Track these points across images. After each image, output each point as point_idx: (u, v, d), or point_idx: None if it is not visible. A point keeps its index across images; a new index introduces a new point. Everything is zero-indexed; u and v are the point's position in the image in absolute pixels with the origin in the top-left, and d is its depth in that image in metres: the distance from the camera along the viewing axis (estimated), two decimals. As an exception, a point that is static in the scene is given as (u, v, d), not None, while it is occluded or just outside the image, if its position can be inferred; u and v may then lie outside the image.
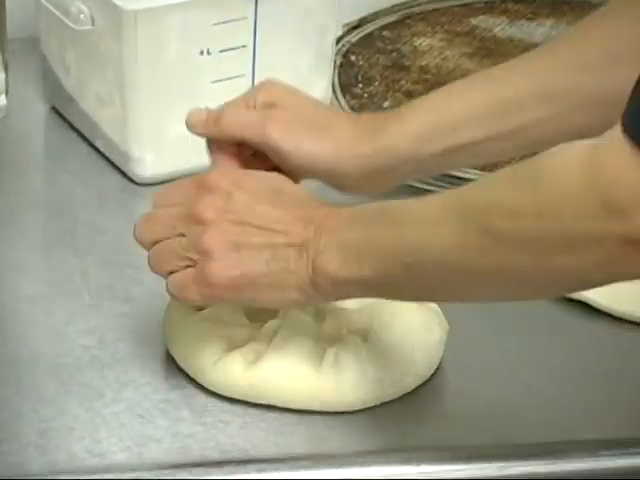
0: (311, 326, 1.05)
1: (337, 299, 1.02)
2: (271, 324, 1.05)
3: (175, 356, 1.06)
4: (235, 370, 1.02)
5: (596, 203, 0.80)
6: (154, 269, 1.02)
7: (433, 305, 1.08)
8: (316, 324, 1.06)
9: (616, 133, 0.80)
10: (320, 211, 0.98)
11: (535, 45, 1.42)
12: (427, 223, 0.91)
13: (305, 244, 0.96)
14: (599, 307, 1.13)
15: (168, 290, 1.01)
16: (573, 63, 1.05)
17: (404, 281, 0.93)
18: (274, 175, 1.03)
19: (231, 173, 1.04)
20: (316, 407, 1.02)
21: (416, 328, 1.06)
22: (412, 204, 0.93)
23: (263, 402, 1.03)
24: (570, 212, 0.82)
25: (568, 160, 0.82)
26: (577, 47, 1.05)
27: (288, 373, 1.02)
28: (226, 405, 1.03)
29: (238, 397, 1.03)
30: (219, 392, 1.03)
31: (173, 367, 1.06)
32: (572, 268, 0.84)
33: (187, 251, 0.99)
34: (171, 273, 1.00)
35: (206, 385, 1.04)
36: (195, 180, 1.02)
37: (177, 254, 0.99)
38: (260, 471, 0.99)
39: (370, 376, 1.03)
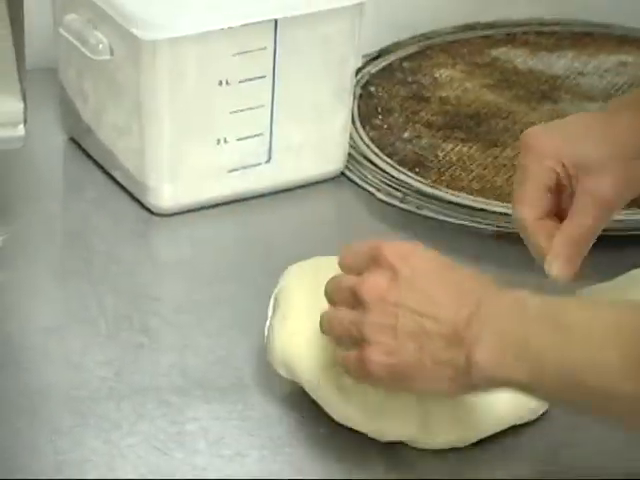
0: None
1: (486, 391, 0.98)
2: None
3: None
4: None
5: None
6: (323, 330, 1.01)
7: None
8: None
9: None
10: (478, 292, 0.95)
11: (557, 77, 1.43)
12: (596, 343, 0.88)
13: (455, 333, 0.93)
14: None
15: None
16: None
17: (561, 396, 0.92)
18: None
19: (403, 247, 1.00)
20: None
21: None
22: (581, 311, 0.91)
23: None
24: None
25: None
26: None
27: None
28: (244, 437, 1.03)
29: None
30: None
31: (190, 399, 1.06)
32: None
33: (351, 327, 0.98)
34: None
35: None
36: (372, 248, 0.99)
37: (343, 327, 0.99)
38: (277, 508, 0.99)
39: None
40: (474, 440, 1.03)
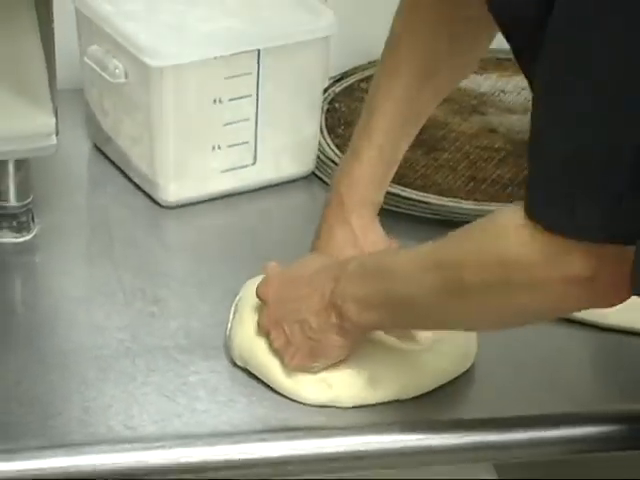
0: None
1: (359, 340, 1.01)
2: None
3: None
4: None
5: (536, 256, 0.84)
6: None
7: None
8: None
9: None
10: (326, 279, 0.98)
11: (484, 94, 1.42)
12: (413, 279, 0.92)
13: (325, 309, 0.98)
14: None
15: None
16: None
17: (408, 322, 0.98)
18: (302, 262, 1.04)
19: (264, 280, 1.04)
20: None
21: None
22: (401, 260, 0.95)
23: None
24: (519, 264, 0.85)
25: (516, 228, 0.85)
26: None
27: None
28: (236, 386, 1.02)
29: None
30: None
31: (192, 356, 1.05)
32: (529, 304, 0.87)
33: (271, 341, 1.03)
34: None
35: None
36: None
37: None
38: (262, 440, 0.98)
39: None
40: (416, 394, 1.02)
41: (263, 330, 1.02)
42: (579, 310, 0.94)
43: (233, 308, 1.07)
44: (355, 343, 0.99)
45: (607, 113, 0.80)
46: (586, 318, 1.09)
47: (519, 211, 0.84)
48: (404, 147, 1.09)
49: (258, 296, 1.03)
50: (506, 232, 0.85)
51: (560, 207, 0.82)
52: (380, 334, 1.02)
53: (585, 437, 1.01)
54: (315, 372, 1.00)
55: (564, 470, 1.35)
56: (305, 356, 1.00)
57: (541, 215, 0.83)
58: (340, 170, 1.10)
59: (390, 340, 1.02)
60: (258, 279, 1.06)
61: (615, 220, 0.81)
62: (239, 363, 1.04)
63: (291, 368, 1.00)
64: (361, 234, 1.07)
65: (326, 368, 1.01)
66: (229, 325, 1.06)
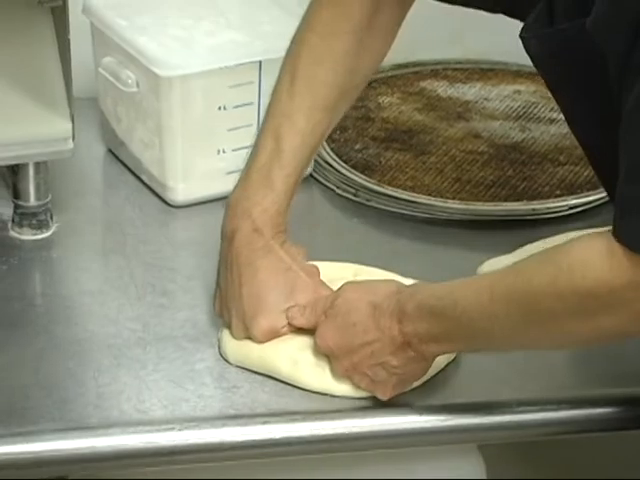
0: None
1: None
2: None
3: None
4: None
5: (621, 280, 0.81)
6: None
7: None
8: None
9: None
10: (390, 315, 0.94)
11: (468, 102, 1.41)
12: (484, 311, 0.89)
13: (396, 344, 0.94)
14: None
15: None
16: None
17: (486, 348, 0.95)
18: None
19: (326, 334, 0.98)
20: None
21: None
22: (462, 295, 0.90)
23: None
24: (602, 291, 0.82)
25: (592, 252, 0.82)
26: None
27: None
28: (240, 373, 1.01)
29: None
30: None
31: (199, 345, 1.04)
32: (609, 327, 0.84)
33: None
34: None
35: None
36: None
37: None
38: (264, 423, 0.97)
39: None
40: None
41: (344, 378, 0.98)
42: None
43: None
44: (433, 361, 0.97)
45: None
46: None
47: (598, 240, 0.82)
48: (304, 171, 1.06)
49: (321, 349, 0.98)
50: (587, 263, 0.82)
51: None
52: None
53: (563, 420, 1.00)
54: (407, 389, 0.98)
55: (545, 451, 1.34)
56: (397, 386, 0.97)
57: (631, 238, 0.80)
58: (245, 196, 1.03)
59: None
60: None
61: None
62: (236, 365, 1.02)
63: (387, 398, 0.97)
64: (286, 255, 1.02)
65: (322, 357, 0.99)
66: (219, 334, 1.04)
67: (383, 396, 0.97)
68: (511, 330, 0.89)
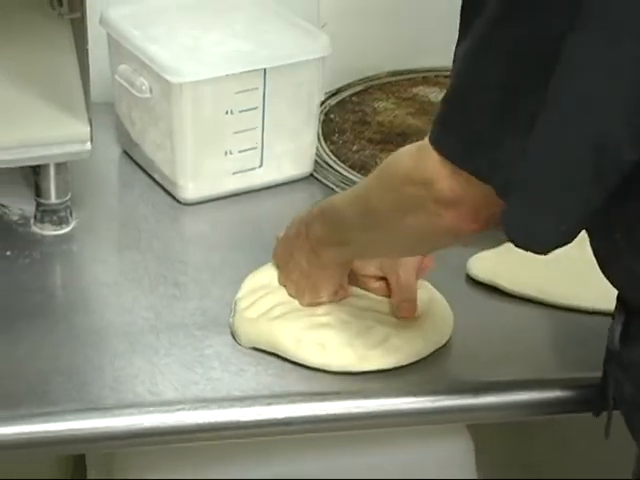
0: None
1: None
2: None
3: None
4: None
5: (418, 178, 0.85)
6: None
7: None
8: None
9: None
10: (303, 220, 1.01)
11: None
12: (346, 216, 0.95)
13: (307, 245, 1.01)
14: (504, 289, 1.11)
15: None
16: None
17: (353, 253, 1.00)
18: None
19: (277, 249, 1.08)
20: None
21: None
22: (342, 200, 0.97)
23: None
24: (407, 187, 0.86)
25: (404, 155, 0.87)
26: None
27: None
28: (245, 358, 1.01)
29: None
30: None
31: (208, 332, 1.04)
32: (416, 224, 0.87)
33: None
34: None
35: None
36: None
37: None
38: (268, 404, 0.97)
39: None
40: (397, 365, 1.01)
41: (287, 291, 1.05)
42: (453, 234, 0.90)
43: (233, 304, 1.06)
44: (340, 271, 1.02)
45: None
46: (546, 299, 1.09)
47: (415, 143, 0.86)
48: None
49: (275, 262, 1.06)
50: (400, 156, 0.88)
51: (453, 136, 0.83)
52: (376, 313, 1.02)
53: (545, 401, 1.00)
54: (325, 302, 1.02)
55: (531, 430, 1.34)
56: (312, 292, 1.02)
57: (438, 140, 0.83)
58: None
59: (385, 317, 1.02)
60: (255, 276, 1.07)
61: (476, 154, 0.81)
62: (247, 346, 1.03)
63: (305, 305, 1.02)
64: None
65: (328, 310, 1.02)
66: (231, 318, 1.05)
67: (304, 302, 1.03)
68: (361, 232, 0.94)
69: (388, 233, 0.92)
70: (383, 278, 1.05)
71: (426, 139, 0.85)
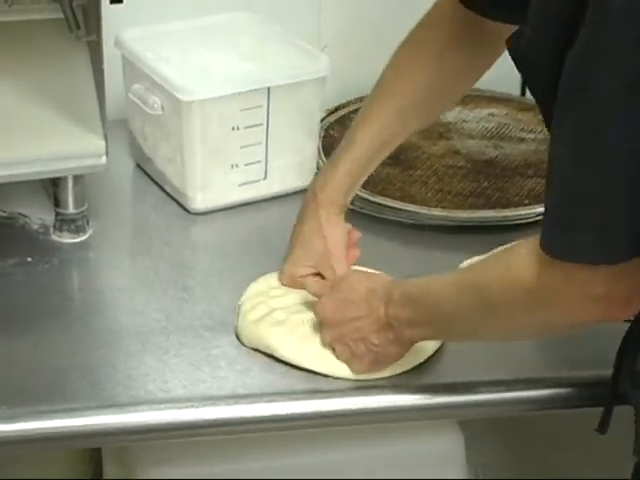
0: None
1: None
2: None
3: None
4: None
5: (544, 280, 0.81)
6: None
7: None
8: None
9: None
10: (381, 298, 0.95)
11: (449, 123, 1.40)
12: (451, 299, 0.90)
13: (382, 321, 0.95)
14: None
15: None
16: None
17: (450, 335, 0.96)
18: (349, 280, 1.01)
19: (327, 304, 1.00)
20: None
21: None
22: (439, 284, 0.91)
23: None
24: (534, 286, 0.82)
25: (528, 253, 0.82)
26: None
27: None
28: (250, 358, 1.01)
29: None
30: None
31: (215, 333, 1.04)
32: (550, 319, 0.84)
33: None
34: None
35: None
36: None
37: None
38: (271, 401, 0.97)
39: None
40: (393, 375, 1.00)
41: (329, 346, 0.99)
42: (597, 323, 0.85)
43: (237, 308, 1.05)
44: (408, 349, 0.97)
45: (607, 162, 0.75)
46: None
47: (534, 243, 0.81)
48: (375, 165, 1.08)
49: (318, 315, 0.99)
50: (524, 263, 0.82)
51: (563, 237, 0.78)
52: None
53: (533, 398, 1.00)
54: (379, 373, 0.98)
55: (519, 426, 1.33)
56: (371, 363, 0.97)
57: (548, 244, 0.79)
58: (319, 174, 1.09)
59: None
60: (257, 283, 1.06)
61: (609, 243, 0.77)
62: (250, 347, 1.02)
63: (359, 373, 0.98)
64: (326, 224, 1.05)
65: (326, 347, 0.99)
66: (236, 321, 1.04)
67: (358, 369, 0.98)
68: (471, 319, 0.89)
69: (509, 324, 0.87)
70: (318, 274, 1.04)
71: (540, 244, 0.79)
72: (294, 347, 1.00)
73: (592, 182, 0.76)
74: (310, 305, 1.02)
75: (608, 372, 0.93)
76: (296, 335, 1.00)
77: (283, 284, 1.06)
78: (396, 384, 0.98)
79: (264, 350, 1.01)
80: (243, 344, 1.02)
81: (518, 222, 1.21)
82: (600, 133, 0.75)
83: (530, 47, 0.80)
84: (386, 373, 0.99)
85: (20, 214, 1.20)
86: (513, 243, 0.87)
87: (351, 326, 0.97)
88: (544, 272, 0.81)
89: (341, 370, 0.99)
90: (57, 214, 1.18)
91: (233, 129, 1.20)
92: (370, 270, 1.06)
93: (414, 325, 0.93)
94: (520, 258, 0.83)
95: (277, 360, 1.00)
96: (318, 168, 1.29)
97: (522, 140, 1.36)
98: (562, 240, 0.79)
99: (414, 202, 1.23)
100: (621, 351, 0.91)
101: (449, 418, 1.08)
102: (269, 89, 1.20)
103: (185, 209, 1.24)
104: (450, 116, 1.43)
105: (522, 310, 0.84)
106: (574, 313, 0.82)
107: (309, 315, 1.02)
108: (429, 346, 1.01)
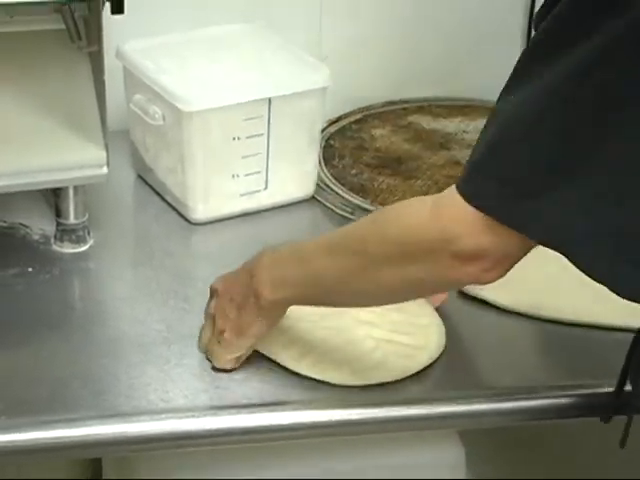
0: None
1: (278, 316, 0.97)
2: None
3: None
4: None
5: (435, 233, 0.79)
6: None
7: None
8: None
9: (452, 191, 0.79)
10: (251, 265, 0.96)
11: (449, 133, 1.41)
12: (320, 258, 0.88)
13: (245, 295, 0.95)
14: (493, 303, 1.10)
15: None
16: None
17: (316, 298, 0.92)
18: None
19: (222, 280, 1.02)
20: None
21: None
22: (309, 245, 0.91)
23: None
24: (419, 237, 0.80)
25: (420, 208, 0.81)
26: None
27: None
28: (251, 368, 1.01)
29: None
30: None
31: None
32: (421, 276, 0.81)
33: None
34: None
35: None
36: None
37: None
38: (271, 411, 0.97)
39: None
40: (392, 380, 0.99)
41: (209, 317, 1.00)
42: (465, 284, 0.85)
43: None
44: (272, 321, 0.96)
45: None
46: (536, 313, 1.08)
47: (428, 197, 0.80)
48: None
49: (211, 289, 1.00)
50: (407, 209, 0.81)
51: (491, 184, 0.76)
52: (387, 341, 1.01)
53: (533, 408, 0.99)
54: (241, 350, 0.98)
55: (519, 436, 1.33)
56: (232, 333, 0.97)
57: (472, 189, 0.76)
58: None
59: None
60: None
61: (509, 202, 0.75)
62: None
63: (227, 347, 0.97)
64: None
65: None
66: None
67: (219, 337, 0.98)
68: (337, 279, 0.86)
69: (379, 281, 0.83)
70: None
71: (445, 193, 0.78)
72: (295, 355, 0.99)
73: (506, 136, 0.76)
74: (311, 313, 1.02)
75: (611, 381, 0.93)
76: (297, 343, 1.00)
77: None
78: (395, 394, 0.98)
79: (265, 353, 1.01)
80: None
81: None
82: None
83: None
84: (382, 379, 0.98)
85: (21, 224, 1.20)
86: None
87: (227, 297, 0.97)
88: (432, 221, 0.78)
89: (342, 378, 0.98)
90: (58, 224, 1.18)
91: (234, 139, 1.21)
92: None
93: (277, 284, 0.91)
94: (407, 204, 0.82)
95: (277, 370, 1.00)
96: (319, 178, 1.30)
97: (522, 150, 1.36)
98: (476, 182, 0.77)
99: (414, 212, 1.24)
100: (629, 357, 0.90)
101: (449, 428, 1.08)
102: (270, 99, 1.20)
103: (186, 219, 1.24)
104: (451, 127, 1.43)
105: (396, 264, 0.81)
106: (438, 269, 0.79)
107: (310, 324, 1.02)
108: (424, 355, 1.00)
